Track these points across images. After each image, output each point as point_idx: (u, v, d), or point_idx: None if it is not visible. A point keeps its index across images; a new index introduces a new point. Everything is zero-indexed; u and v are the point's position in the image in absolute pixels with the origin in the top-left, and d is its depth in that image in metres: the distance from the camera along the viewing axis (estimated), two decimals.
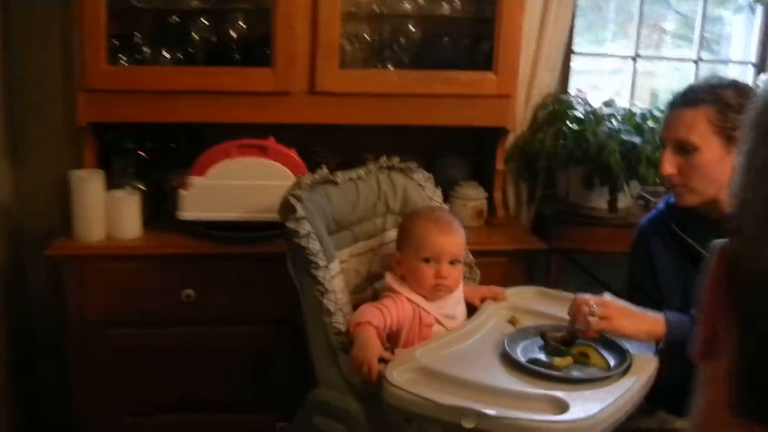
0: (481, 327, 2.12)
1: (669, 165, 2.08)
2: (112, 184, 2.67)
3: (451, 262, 2.10)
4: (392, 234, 2.36)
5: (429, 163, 2.77)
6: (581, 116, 2.99)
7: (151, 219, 2.72)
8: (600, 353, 2.00)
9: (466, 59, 2.94)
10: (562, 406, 1.74)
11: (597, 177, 2.91)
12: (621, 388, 1.84)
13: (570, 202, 3.08)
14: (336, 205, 2.22)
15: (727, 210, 2.07)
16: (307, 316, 2.12)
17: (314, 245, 2.02)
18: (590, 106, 3.08)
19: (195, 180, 2.58)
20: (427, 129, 2.92)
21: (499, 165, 3.01)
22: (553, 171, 3.08)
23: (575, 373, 1.92)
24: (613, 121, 2.99)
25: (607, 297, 2.06)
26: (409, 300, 2.08)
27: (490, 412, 1.69)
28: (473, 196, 2.96)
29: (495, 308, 2.22)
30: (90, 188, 2.59)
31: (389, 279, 2.14)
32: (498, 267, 2.72)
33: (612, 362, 1.97)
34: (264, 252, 2.61)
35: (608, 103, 3.15)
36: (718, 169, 2.04)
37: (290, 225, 2.03)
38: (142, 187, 2.74)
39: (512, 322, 2.18)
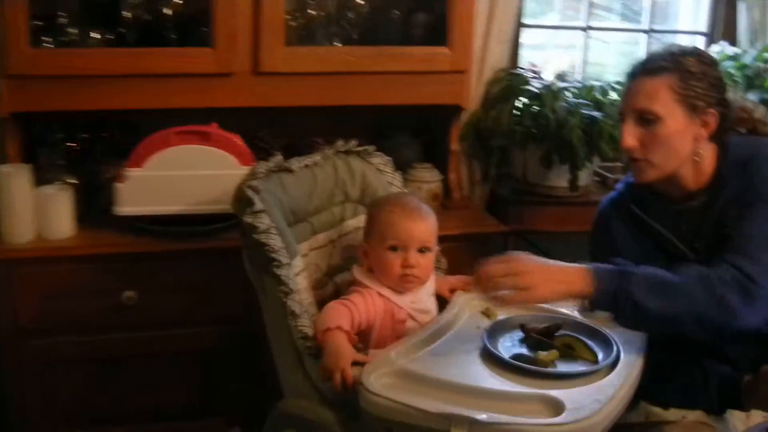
0: (456, 321, 1.96)
1: (630, 137, 1.96)
2: (40, 179, 2.43)
3: (420, 250, 1.94)
4: (352, 224, 2.20)
5: (379, 145, 2.59)
6: (536, 91, 2.86)
7: (84, 216, 2.49)
8: (586, 344, 1.87)
9: (418, 34, 2.77)
10: (557, 407, 1.60)
11: (557, 155, 2.79)
12: (615, 383, 1.71)
13: (528, 181, 2.96)
14: (292, 195, 2.04)
15: (688, 186, 2.00)
16: (268, 319, 1.95)
17: (275, 241, 1.84)
18: (544, 80, 2.95)
19: (132, 172, 2.36)
20: (376, 108, 2.75)
21: (454, 145, 2.86)
22: (507, 149, 2.95)
23: (563, 368, 1.79)
24: (569, 95, 2.87)
25: (517, 254, 1.85)
26: (380, 295, 1.92)
27: (482, 417, 1.54)
28: (428, 178, 2.80)
29: (467, 299, 2.07)
30: (16, 185, 2.34)
31: (357, 272, 1.98)
32: (456, 252, 2.56)
33: (600, 354, 1.85)
34: (210, 247, 2.42)
35: (561, 77, 3.02)
36: (680, 141, 1.94)
37: (247, 219, 1.84)
38: (74, 182, 2.50)
39: (486, 313, 2.04)
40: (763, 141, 2.00)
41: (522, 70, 3.03)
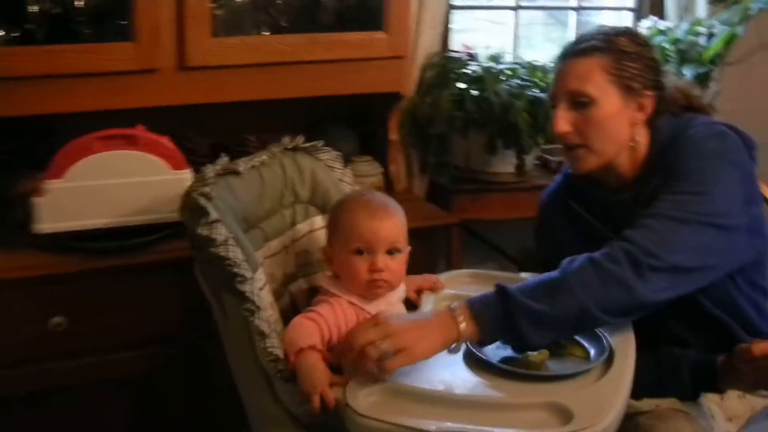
0: None
1: (563, 122, 1.86)
2: None
3: (389, 252, 1.76)
4: (304, 227, 2.02)
5: (313, 139, 2.43)
6: (475, 75, 2.74)
7: None
8: (573, 339, 1.75)
9: (351, 18, 2.60)
10: (564, 414, 1.47)
11: (501, 140, 2.67)
12: (617, 380, 1.60)
13: (470, 168, 2.83)
14: (241, 199, 1.84)
15: (625, 175, 1.89)
16: (228, 340, 1.75)
17: (236, 254, 1.64)
18: (481, 62, 2.82)
19: (51, 184, 2.11)
20: (307, 100, 2.56)
21: (393, 134, 2.71)
22: (446, 137, 2.81)
23: (557, 369, 1.66)
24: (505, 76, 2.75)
25: (383, 315, 1.62)
26: (351, 303, 1.75)
27: None
28: (368, 171, 2.65)
29: (436, 301, 1.92)
30: None
31: (322, 280, 1.80)
32: None
33: (591, 349, 1.73)
34: (143, 262, 2.18)
35: (495, 59, 2.90)
36: (617, 124, 1.86)
37: (202, 231, 1.64)
38: None
39: None
40: (687, 121, 1.91)
41: (456, 54, 2.89)
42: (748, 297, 1.91)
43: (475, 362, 1.67)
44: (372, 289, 1.76)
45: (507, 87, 2.66)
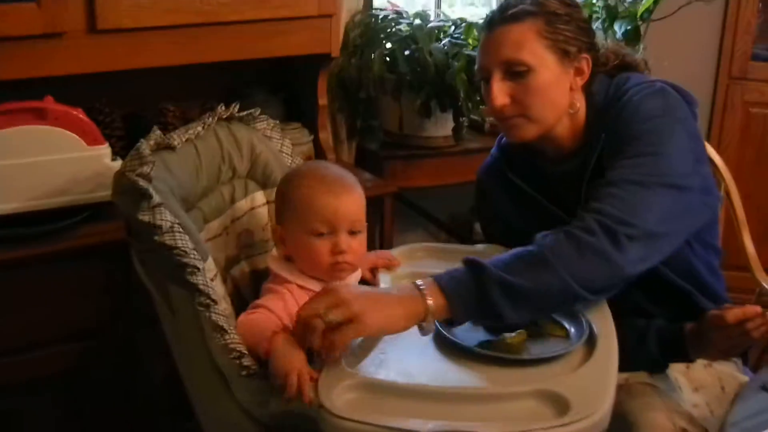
0: None
1: (501, 94, 1.73)
2: None
3: (351, 232, 1.62)
4: (243, 205, 1.83)
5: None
6: (405, 34, 2.58)
7: None
8: (551, 317, 1.63)
9: None
10: (559, 401, 1.35)
11: (437, 102, 2.52)
12: (605, 359, 1.49)
13: (403, 133, 2.68)
14: (178, 177, 1.64)
15: (565, 145, 1.79)
16: (175, 337, 1.56)
17: (184, 241, 1.45)
18: (410, 20, 2.67)
19: None
20: (225, 64, 2.35)
21: (322, 99, 2.53)
22: (376, 100, 2.65)
23: (540, 351, 1.54)
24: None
25: (336, 285, 1.45)
26: (302, 287, 1.58)
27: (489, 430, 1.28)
28: (297, 139, 2.46)
29: (393, 280, 1.77)
30: None
31: (272, 263, 1.63)
32: None
33: (569, 327, 1.61)
34: (59, 249, 1.96)
35: (422, 16, 2.75)
36: (556, 92, 1.75)
37: (144, 217, 1.43)
38: None
39: None
40: (623, 82, 1.81)
41: (382, 11, 2.73)
42: (702, 260, 1.86)
43: (448, 348, 1.53)
44: (334, 272, 1.61)
45: (441, 46, 2.51)
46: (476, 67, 1.83)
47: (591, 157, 1.76)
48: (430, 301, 1.45)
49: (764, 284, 2.32)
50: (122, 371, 2.07)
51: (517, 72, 1.72)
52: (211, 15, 2.17)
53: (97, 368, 2.05)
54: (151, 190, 1.45)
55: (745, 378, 1.90)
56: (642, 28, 3.00)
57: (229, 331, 1.43)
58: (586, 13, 2.79)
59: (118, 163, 2.01)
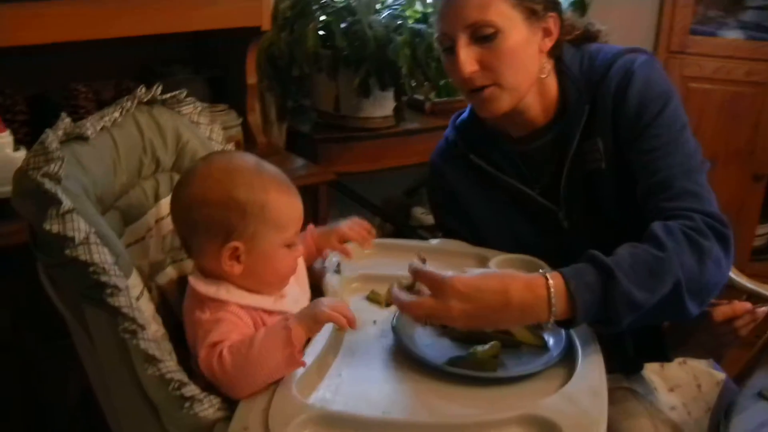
0: None
1: (469, 61, 1.56)
2: None
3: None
4: (169, 203, 1.59)
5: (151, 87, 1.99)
6: (340, 5, 2.36)
7: None
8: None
9: None
10: (551, 430, 1.18)
11: (377, 80, 2.31)
12: (592, 377, 1.32)
13: (340, 114, 2.46)
14: (93, 173, 1.38)
15: (535, 120, 1.65)
16: (96, 367, 1.32)
17: (102, 255, 1.21)
18: None
19: None
20: (141, 39, 2.10)
21: (251, 78, 2.28)
22: (309, 78, 2.43)
23: (516, 365, 1.36)
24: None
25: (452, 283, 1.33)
26: (242, 307, 1.36)
27: None
28: (225, 123, 2.22)
29: (341, 282, 1.57)
30: None
31: (199, 284, 1.35)
32: None
33: (547, 337, 1.44)
34: None
35: None
36: (527, 55, 1.60)
37: (53, 228, 1.18)
38: None
39: (375, 299, 1.56)
40: (595, 54, 1.68)
41: None
42: None
43: (412, 365, 1.35)
44: (285, 282, 1.41)
45: (380, 19, 2.30)
46: (436, 35, 1.65)
47: (573, 129, 1.63)
48: (554, 309, 1.33)
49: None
50: (29, 391, 1.82)
51: (484, 36, 1.56)
52: None
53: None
54: (61, 194, 1.20)
55: (720, 375, 1.80)
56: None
57: (162, 359, 1.20)
58: None
59: (22, 154, 1.76)
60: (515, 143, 1.71)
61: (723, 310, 1.56)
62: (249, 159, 1.43)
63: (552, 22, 1.61)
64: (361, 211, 3.01)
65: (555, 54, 1.66)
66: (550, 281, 1.32)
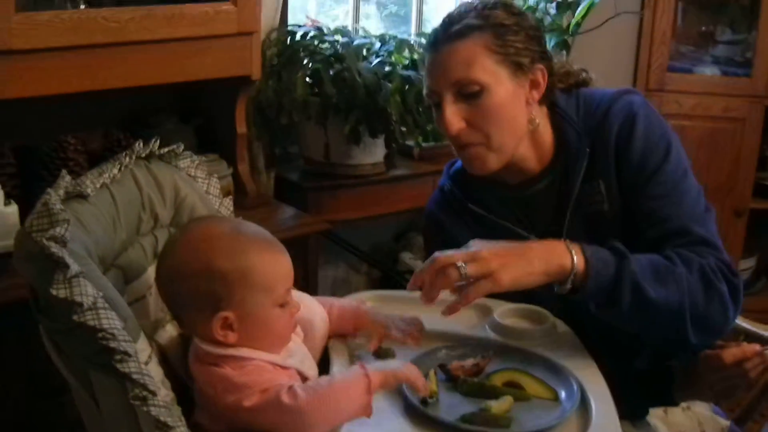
0: None
1: (455, 119, 1.57)
2: None
3: None
4: None
5: (139, 136, 1.94)
6: (329, 52, 2.35)
7: None
8: (532, 375, 1.44)
9: None
10: None
11: (367, 127, 2.30)
12: (609, 422, 1.31)
13: (329, 162, 2.44)
14: (95, 233, 1.35)
15: (532, 168, 1.65)
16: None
17: (111, 321, 1.17)
18: (330, 37, 2.43)
19: None
20: (131, 89, 2.07)
21: (241, 127, 2.26)
22: (298, 125, 2.41)
23: (529, 420, 1.33)
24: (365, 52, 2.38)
25: (474, 244, 1.49)
26: (263, 361, 1.32)
27: None
28: (215, 172, 2.17)
29: (346, 348, 1.53)
30: None
31: (212, 348, 1.31)
32: None
33: (559, 390, 1.42)
34: None
35: (343, 32, 2.52)
36: (513, 109, 1.60)
37: (60, 293, 1.15)
38: None
39: (379, 354, 1.53)
40: (589, 98, 1.70)
41: (300, 28, 2.49)
42: None
43: (426, 425, 1.32)
44: (286, 340, 1.37)
45: (368, 65, 2.29)
46: (425, 91, 1.65)
47: (574, 173, 1.63)
48: (576, 258, 1.44)
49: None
50: None
51: (469, 93, 1.56)
52: (116, 33, 1.89)
53: None
54: (68, 258, 1.17)
55: (725, 422, 1.78)
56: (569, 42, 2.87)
57: (174, 425, 1.16)
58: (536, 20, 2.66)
59: (12, 209, 1.72)
60: (512, 190, 1.70)
61: (733, 352, 1.56)
62: (226, 224, 1.40)
63: (540, 74, 1.61)
64: (347, 257, 3.00)
65: (547, 101, 1.66)
66: (570, 244, 1.46)
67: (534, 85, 1.61)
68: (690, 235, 1.55)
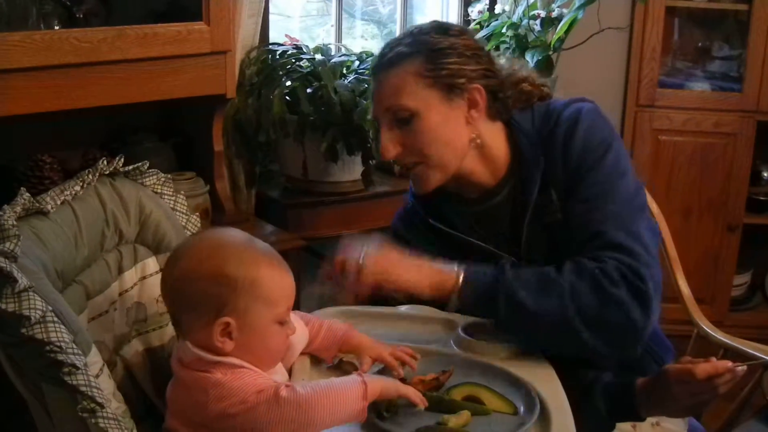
0: None
1: (390, 144, 1.63)
2: None
3: None
4: (133, 274, 1.56)
5: (116, 155, 1.97)
6: (306, 70, 2.36)
7: None
8: (492, 390, 1.44)
9: (164, 8, 2.14)
10: None
11: (344, 144, 2.31)
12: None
13: (308, 179, 2.45)
14: (53, 248, 1.37)
15: (485, 181, 1.68)
16: None
17: (60, 334, 1.18)
18: (308, 55, 2.45)
19: None
20: (109, 109, 2.08)
21: (218, 145, 2.28)
22: (276, 143, 2.42)
23: None
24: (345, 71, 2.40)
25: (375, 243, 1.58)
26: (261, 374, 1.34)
27: None
28: (192, 191, 2.21)
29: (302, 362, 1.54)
30: None
31: (205, 353, 1.32)
32: None
33: (518, 404, 1.42)
34: None
35: (323, 50, 2.54)
36: (449, 130, 1.63)
37: (9, 307, 1.16)
38: None
39: (343, 367, 1.54)
40: (545, 110, 1.71)
41: (280, 46, 2.50)
42: None
43: None
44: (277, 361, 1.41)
45: (347, 83, 2.30)
46: (372, 115, 1.74)
47: (530, 185, 1.65)
48: (458, 273, 1.55)
49: (703, 326, 2.19)
50: None
51: (402, 119, 1.61)
52: (89, 53, 1.90)
53: None
54: (16, 272, 1.18)
55: None
56: (554, 58, 2.87)
57: None
58: (492, 43, 2.67)
59: None
60: (471, 204, 1.73)
61: (704, 368, 1.54)
62: (240, 234, 1.42)
63: (477, 93, 1.63)
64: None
65: (503, 118, 1.69)
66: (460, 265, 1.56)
67: (472, 104, 1.64)
68: (601, 239, 1.55)
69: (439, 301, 1.59)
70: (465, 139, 1.64)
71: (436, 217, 1.75)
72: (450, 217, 1.75)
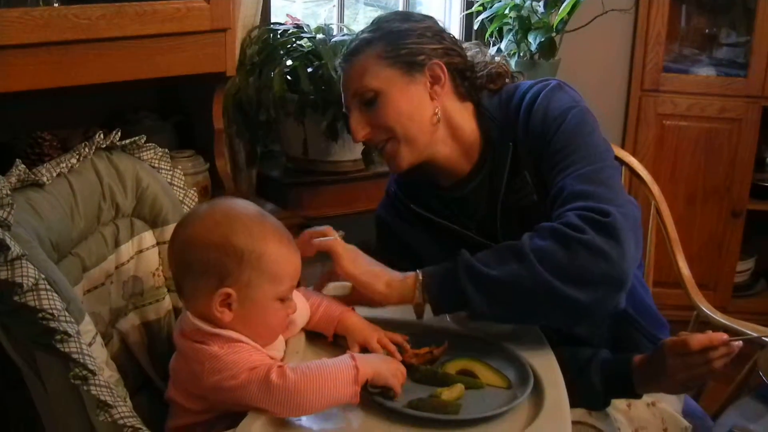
0: None
1: (359, 127, 1.68)
2: None
3: None
4: (130, 248, 1.58)
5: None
6: (306, 49, 2.36)
7: None
8: (486, 363, 1.45)
9: None
10: None
11: (345, 124, 2.30)
12: (556, 418, 1.31)
13: (308, 158, 2.45)
14: (48, 219, 1.37)
15: (460, 167, 1.70)
16: (51, 414, 1.29)
17: (52, 301, 1.19)
18: (312, 35, 2.44)
19: None
20: (106, 86, 2.07)
21: (218, 123, 2.27)
22: (277, 122, 2.42)
23: (479, 407, 1.34)
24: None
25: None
26: (258, 350, 1.36)
27: None
28: (192, 169, 2.20)
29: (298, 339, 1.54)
30: None
31: (205, 325, 1.34)
32: None
33: (508, 372, 1.43)
34: None
35: (324, 30, 2.53)
36: (413, 106, 1.66)
37: (2, 275, 1.17)
38: None
39: (340, 342, 1.54)
40: (511, 92, 1.73)
41: (281, 26, 2.50)
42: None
43: (373, 409, 1.33)
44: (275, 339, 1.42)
45: None
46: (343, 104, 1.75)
47: (500, 169, 1.67)
48: (419, 274, 1.51)
49: (703, 308, 2.18)
50: None
51: (368, 100, 1.65)
52: (87, 30, 1.89)
53: None
54: (9, 240, 1.18)
55: (686, 423, 1.76)
56: (556, 40, 2.86)
57: (114, 404, 1.18)
58: (495, 25, 2.67)
59: None
60: (448, 190, 1.75)
61: (699, 339, 1.54)
62: (252, 207, 1.43)
63: (438, 68, 1.66)
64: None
65: (473, 100, 1.72)
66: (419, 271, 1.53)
67: (435, 79, 1.66)
68: (563, 193, 1.53)
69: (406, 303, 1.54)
70: (429, 113, 1.66)
71: (417, 203, 1.78)
72: (431, 203, 1.78)
